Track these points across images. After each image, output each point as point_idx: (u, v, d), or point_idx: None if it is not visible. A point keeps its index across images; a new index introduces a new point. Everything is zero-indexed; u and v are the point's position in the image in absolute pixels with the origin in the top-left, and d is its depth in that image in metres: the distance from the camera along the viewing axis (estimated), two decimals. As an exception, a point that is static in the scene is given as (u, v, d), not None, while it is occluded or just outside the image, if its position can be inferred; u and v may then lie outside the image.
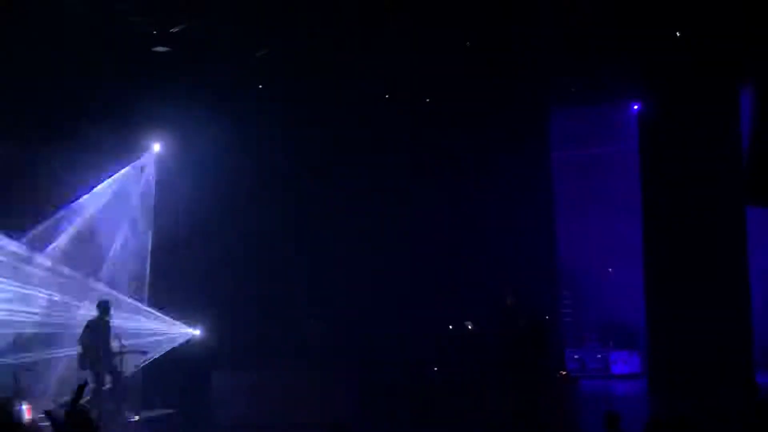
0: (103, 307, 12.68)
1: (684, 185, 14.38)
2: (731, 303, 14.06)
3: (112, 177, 14.29)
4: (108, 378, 12.38)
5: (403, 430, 12.34)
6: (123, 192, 14.51)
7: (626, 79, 14.78)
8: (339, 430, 9.60)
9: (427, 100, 15.39)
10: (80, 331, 12.55)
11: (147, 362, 13.71)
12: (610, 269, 17.41)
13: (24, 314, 12.93)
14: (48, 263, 13.45)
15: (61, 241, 13.75)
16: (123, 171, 14.50)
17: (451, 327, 15.11)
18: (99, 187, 14.04)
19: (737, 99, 14.36)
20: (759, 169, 13.68)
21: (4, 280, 12.76)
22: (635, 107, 15.47)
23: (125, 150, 14.22)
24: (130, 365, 13.16)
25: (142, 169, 14.80)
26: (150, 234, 14.52)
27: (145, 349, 13.26)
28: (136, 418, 12.47)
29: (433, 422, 12.55)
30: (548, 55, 13.84)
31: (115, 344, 12.59)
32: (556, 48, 13.60)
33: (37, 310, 13.15)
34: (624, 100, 15.76)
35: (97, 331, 12.49)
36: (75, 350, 12.58)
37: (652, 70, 14.33)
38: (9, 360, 12.62)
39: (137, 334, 13.53)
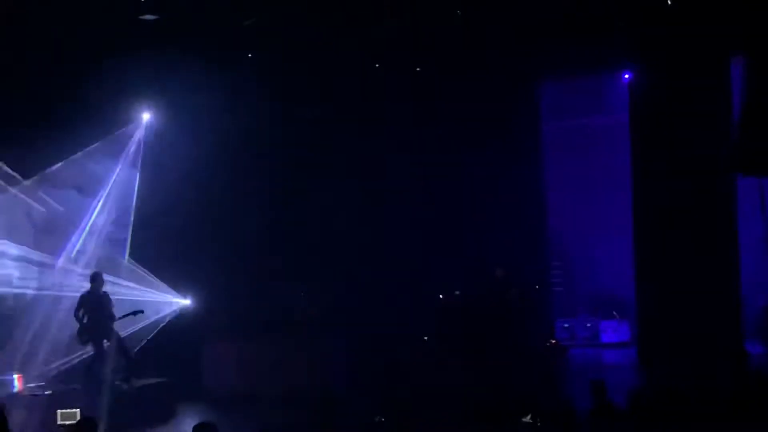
0: (96, 278, 12.58)
1: (674, 156, 14.33)
2: (721, 272, 14.07)
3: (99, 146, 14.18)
4: (114, 346, 12.20)
5: (393, 400, 12.37)
6: (110, 160, 14.38)
7: (617, 50, 14.71)
8: (329, 402, 9.67)
9: (417, 69, 15.31)
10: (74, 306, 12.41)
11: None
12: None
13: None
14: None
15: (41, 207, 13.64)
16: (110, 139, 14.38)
17: (441, 297, 15.16)
18: (83, 154, 13.90)
19: (728, 68, 14.30)
20: (750, 139, 13.66)
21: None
22: (626, 77, 15.41)
23: (114, 118, 14.11)
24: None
25: (130, 137, 14.68)
26: (134, 202, 14.42)
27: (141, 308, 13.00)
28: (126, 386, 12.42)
29: (423, 392, 12.58)
30: (539, 25, 13.77)
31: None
32: (548, 18, 13.52)
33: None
34: (616, 70, 15.70)
35: (94, 303, 12.34)
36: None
37: (643, 39, 14.26)
38: None
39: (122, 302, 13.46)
